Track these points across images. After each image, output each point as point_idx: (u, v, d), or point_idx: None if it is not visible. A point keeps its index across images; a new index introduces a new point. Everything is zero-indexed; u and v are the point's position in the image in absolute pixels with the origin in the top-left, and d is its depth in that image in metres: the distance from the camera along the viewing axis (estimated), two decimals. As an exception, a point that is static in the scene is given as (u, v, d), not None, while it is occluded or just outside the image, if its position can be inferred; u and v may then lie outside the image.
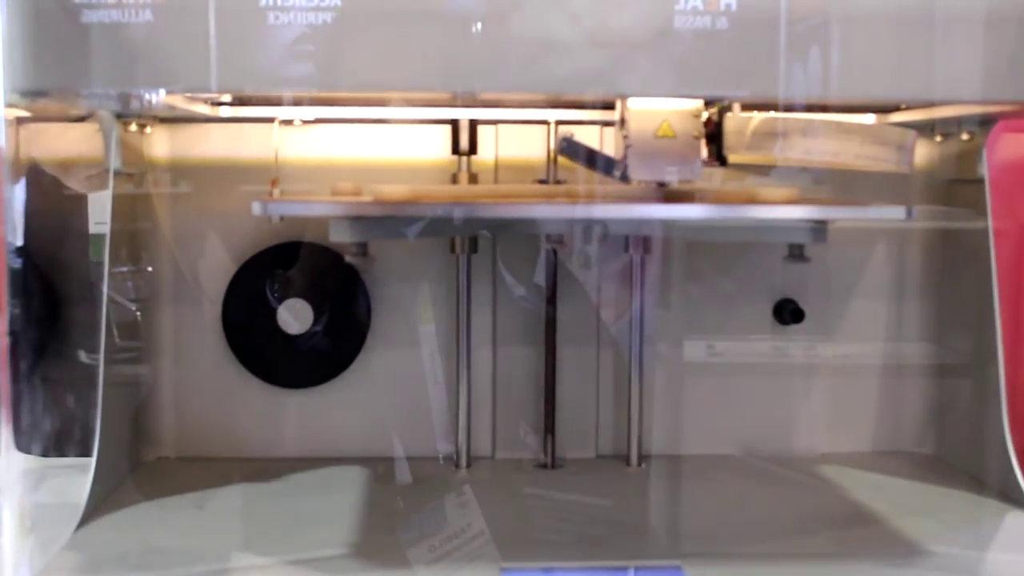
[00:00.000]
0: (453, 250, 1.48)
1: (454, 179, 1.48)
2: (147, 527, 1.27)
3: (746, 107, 1.32)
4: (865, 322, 1.57)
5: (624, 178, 1.25)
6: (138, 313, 1.43)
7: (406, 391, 1.51)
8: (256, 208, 1.17)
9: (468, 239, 1.46)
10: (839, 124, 1.29)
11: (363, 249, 1.22)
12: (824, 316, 1.56)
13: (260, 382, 1.52)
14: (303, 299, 1.47)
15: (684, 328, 1.54)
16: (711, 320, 1.55)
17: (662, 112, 1.23)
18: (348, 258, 1.23)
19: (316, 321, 1.48)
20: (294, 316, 1.47)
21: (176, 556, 1.18)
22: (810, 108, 1.28)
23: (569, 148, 1.32)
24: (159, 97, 1.22)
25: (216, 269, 1.51)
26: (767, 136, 1.27)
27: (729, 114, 1.29)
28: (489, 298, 1.52)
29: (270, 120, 1.47)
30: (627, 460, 1.53)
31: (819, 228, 1.25)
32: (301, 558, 1.17)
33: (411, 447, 1.49)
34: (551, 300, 1.51)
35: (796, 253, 1.29)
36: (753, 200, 1.28)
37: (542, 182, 1.48)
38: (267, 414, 1.53)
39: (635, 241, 1.46)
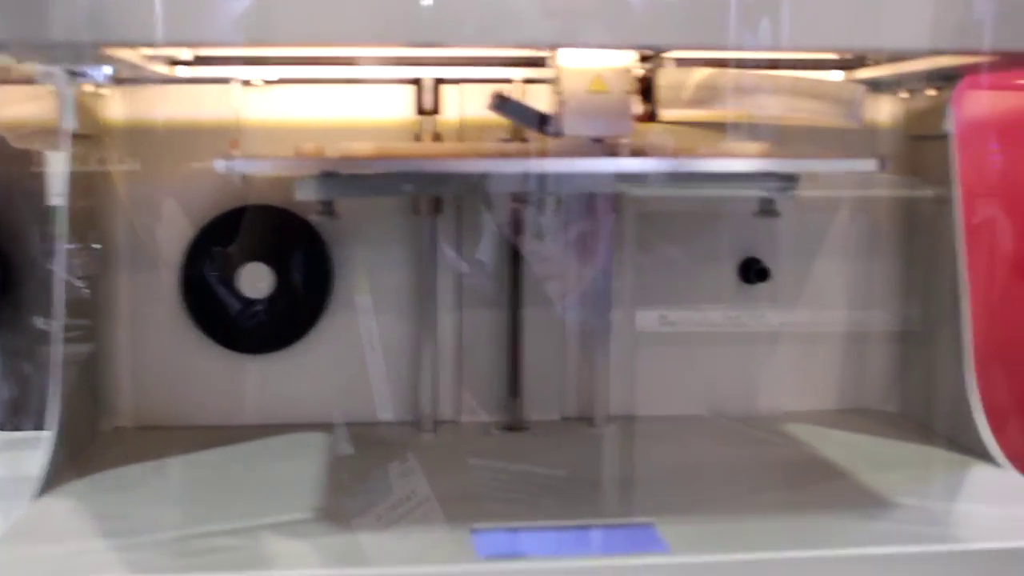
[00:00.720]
0: (417, 211, 1.46)
1: (418, 139, 1.46)
2: (106, 496, 1.24)
3: (681, 63, 1.31)
4: (830, 282, 1.58)
5: (558, 134, 1.25)
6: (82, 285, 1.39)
7: (367, 354, 1.50)
8: (219, 166, 1.14)
9: (432, 200, 1.44)
10: (786, 79, 1.29)
11: (329, 208, 1.20)
12: (789, 277, 1.56)
13: (220, 348, 1.50)
14: (264, 263, 1.45)
15: (649, 288, 1.54)
16: (676, 280, 1.54)
17: (594, 68, 1.23)
18: (313, 217, 1.21)
19: (277, 285, 1.45)
20: (255, 280, 1.44)
21: (136, 523, 1.16)
22: (754, 66, 1.28)
23: (501, 105, 1.31)
24: (112, 55, 1.19)
25: (174, 233, 1.47)
26: (710, 91, 1.26)
27: (662, 70, 1.28)
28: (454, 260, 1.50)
29: (229, 81, 1.44)
30: (593, 421, 1.53)
31: (789, 182, 1.24)
32: (265, 523, 1.16)
33: (375, 412, 1.49)
34: (516, 261, 1.50)
35: (766, 208, 1.28)
36: (724, 155, 1.27)
37: (507, 141, 1.46)
38: (227, 381, 1.50)
39: (600, 201, 1.45)
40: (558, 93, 1.25)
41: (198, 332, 1.49)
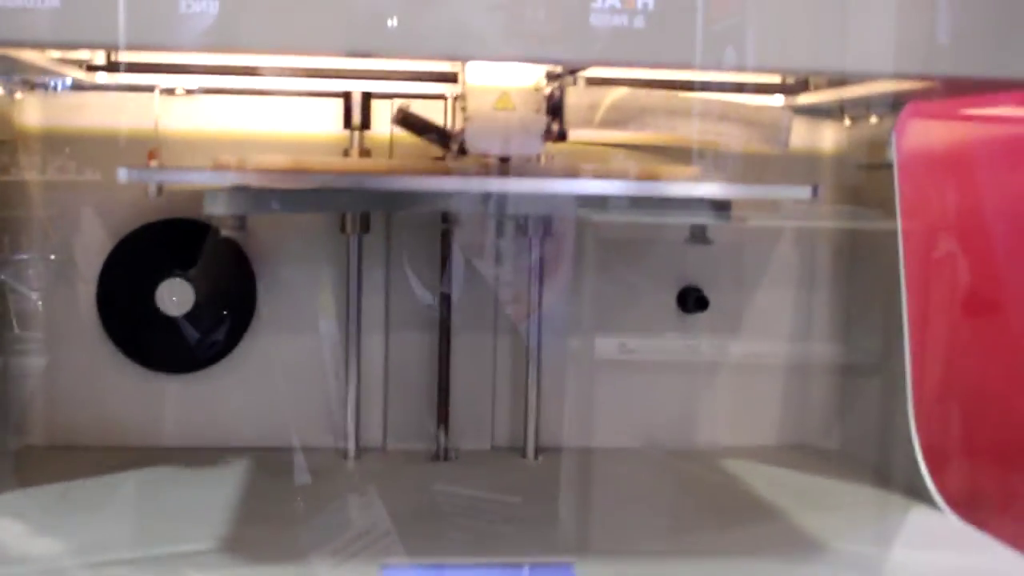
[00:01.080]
0: (344, 229, 1.41)
1: (346, 154, 1.40)
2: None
3: (592, 82, 1.27)
4: (772, 313, 1.53)
5: (462, 151, 1.22)
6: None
7: (293, 377, 1.45)
8: (122, 175, 1.09)
9: (359, 217, 1.40)
10: (709, 102, 1.25)
11: (241, 223, 1.14)
12: (729, 308, 1.52)
13: (137, 367, 1.44)
14: (183, 279, 1.39)
15: (585, 315, 1.49)
16: (613, 307, 1.50)
17: (501, 86, 1.20)
18: (224, 232, 1.15)
19: (198, 302, 1.39)
20: (174, 297, 1.38)
21: (27, 550, 1.10)
22: (679, 88, 1.24)
23: (404, 120, 1.27)
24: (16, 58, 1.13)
25: (91, 246, 1.42)
26: (623, 112, 1.22)
27: (572, 88, 1.24)
28: (382, 281, 1.46)
29: (150, 89, 1.39)
30: (523, 452, 1.48)
31: (722, 209, 1.20)
32: (166, 552, 1.10)
33: (298, 436, 1.43)
34: (446, 283, 1.45)
35: (698, 235, 1.23)
36: (654, 178, 1.22)
37: (439, 160, 1.40)
38: (146, 401, 1.44)
39: (534, 223, 1.41)
40: (463, 110, 1.21)
41: (114, 349, 1.44)
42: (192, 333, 1.42)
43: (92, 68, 1.33)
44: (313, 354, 1.45)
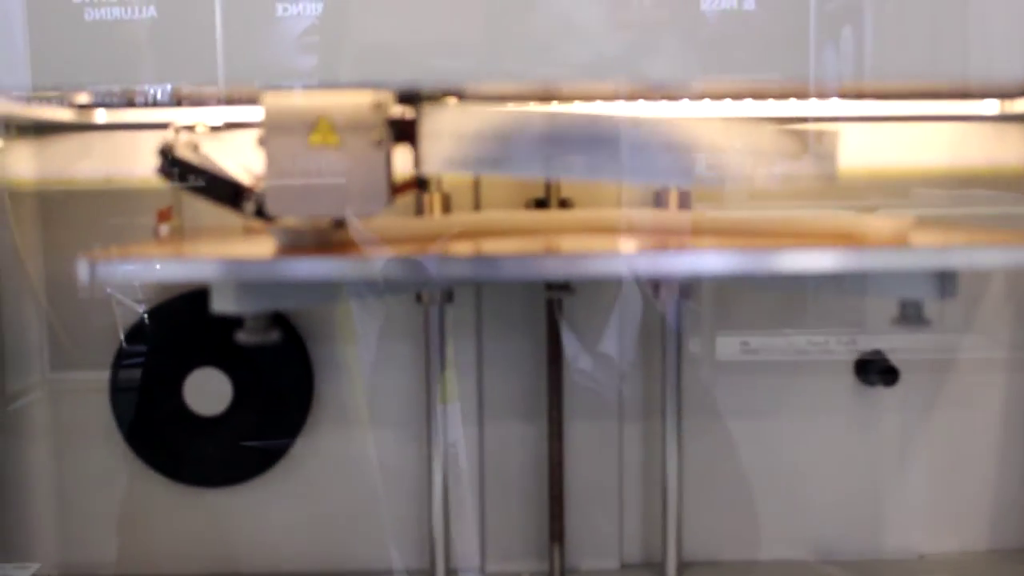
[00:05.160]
0: (420, 299, 1.15)
1: (419, 208, 1.10)
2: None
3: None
4: (980, 383, 1.26)
5: (262, 215, 0.89)
6: None
7: (360, 485, 1.22)
8: (82, 271, 0.78)
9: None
10: (661, 123, 0.89)
11: (263, 323, 0.83)
12: (925, 374, 1.24)
13: (164, 479, 1.22)
14: (219, 368, 1.18)
15: (736, 392, 1.23)
16: (773, 381, 1.24)
17: (317, 104, 0.86)
18: (244, 337, 0.84)
19: (237, 398, 1.19)
20: (207, 391, 1.18)
21: None
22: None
23: (169, 168, 0.93)
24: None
25: (102, 328, 1.19)
26: (507, 143, 0.87)
27: (432, 109, 0.88)
28: (472, 359, 1.21)
29: (164, 126, 1.11)
30: (662, 571, 1.23)
31: (948, 277, 0.86)
32: None
33: (369, 558, 1.23)
34: (555, 360, 1.19)
35: (912, 314, 0.89)
36: (846, 238, 0.89)
37: (540, 203, 1.14)
38: (176, 519, 1.24)
39: (667, 284, 1.13)
40: (262, 144, 0.87)
41: (135, 458, 1.22)
42: (232, 436, 1.21)
43: (84, 106, 1.05)
44: (386, 454, 1.22)
